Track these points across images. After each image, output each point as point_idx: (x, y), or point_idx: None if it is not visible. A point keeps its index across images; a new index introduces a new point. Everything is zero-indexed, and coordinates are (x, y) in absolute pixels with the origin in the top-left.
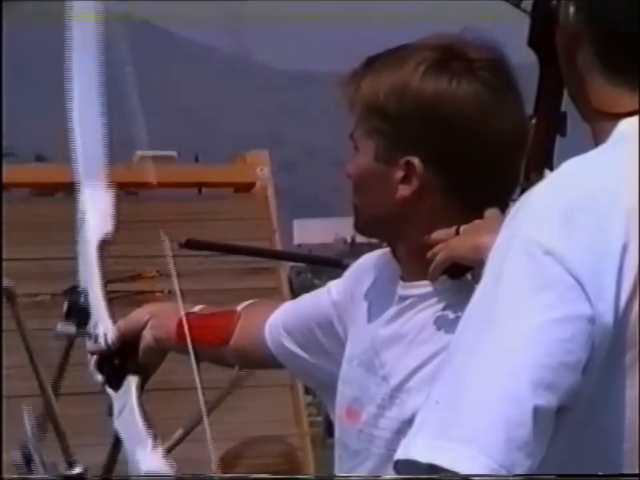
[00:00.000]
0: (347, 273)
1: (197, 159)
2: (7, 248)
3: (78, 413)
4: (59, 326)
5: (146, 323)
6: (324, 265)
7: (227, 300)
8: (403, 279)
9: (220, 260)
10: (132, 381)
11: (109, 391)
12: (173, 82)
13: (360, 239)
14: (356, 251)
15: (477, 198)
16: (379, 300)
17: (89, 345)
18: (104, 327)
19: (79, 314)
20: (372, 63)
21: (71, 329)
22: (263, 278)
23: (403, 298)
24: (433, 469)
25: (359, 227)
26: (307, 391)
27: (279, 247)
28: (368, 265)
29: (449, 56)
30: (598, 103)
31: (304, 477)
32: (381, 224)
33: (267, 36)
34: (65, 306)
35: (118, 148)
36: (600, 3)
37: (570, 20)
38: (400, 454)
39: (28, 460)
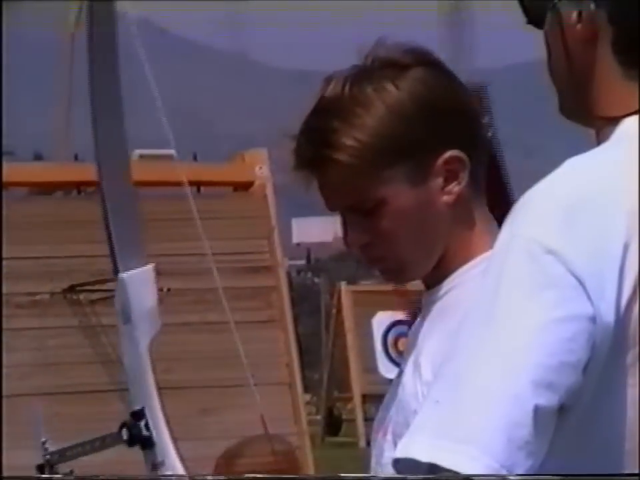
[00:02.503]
0: None
1: (195, 158)
2: (5, 247)
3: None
4: None
5: None
6: None
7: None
8: (427, 287)
9: (219, 259)
10: None
11: None
12: (172, 81)
13: None
14: None
15: (480, 178)
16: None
17: None
18: (171, 465)
19: (142, 441)
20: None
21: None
22: (263, 276)
23: (429, 303)
24: (433, 468)
25: (425, 272)
26: (306, 389)
27: (277, 245)
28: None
29: (380, 64)
30: (611, 100)
31: (304, 476)
32: (435, 246)
33: (265, 35)
34: (125, 435)
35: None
36: None
37: (587, 18)
38: (399, 452)
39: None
